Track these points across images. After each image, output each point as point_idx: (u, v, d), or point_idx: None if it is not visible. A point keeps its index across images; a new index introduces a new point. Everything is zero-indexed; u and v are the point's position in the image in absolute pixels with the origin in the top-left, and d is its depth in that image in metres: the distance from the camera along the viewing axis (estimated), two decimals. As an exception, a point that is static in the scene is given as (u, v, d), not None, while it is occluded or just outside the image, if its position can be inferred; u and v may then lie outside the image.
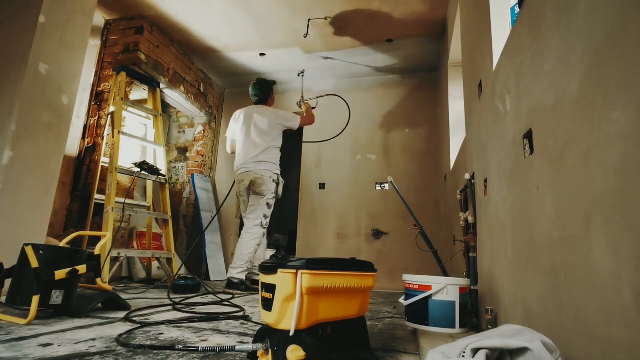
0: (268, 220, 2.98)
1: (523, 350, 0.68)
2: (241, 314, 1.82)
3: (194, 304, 2.08)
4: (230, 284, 2.85)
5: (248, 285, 2.90)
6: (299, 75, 4.16)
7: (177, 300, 2.17)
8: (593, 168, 0.72)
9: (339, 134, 4.18)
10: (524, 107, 1.13)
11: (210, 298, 2.38)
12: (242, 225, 3.18)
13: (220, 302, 2.17)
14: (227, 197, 3.47)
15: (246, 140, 3.03)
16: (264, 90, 3.27)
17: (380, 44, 4.03)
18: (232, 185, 3.24)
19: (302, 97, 3.81)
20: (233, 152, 3.24)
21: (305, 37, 3.81)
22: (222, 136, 5.16)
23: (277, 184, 3.00)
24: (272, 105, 3.34)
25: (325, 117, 4.52)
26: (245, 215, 2.99)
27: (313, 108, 3.56)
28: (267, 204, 2.95)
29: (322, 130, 4.44)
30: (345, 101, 4.12)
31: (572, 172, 0.81)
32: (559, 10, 0.89)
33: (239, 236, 3.01)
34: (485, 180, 1.65)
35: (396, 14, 3.53)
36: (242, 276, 2.88)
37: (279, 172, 3.05)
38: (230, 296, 2.49)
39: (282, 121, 3.11)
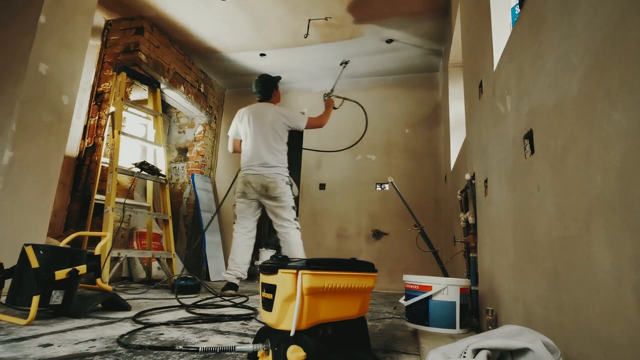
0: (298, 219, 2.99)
1: (524, 351, 0.68)
2: (253, 315, 1.81)
3: (204, 306, 2.07)
4: None
5: None
6: (341, 64, 3.62)
7: (184, 300, 2.17)
8: (594, 168, 0.72)
9: (352, 146, 3.88)
10: (524, 107, 1.13)
11: (215, 298, 2.38)
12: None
13: (235, 305, 2.14)
14: (226, 196, 3.46)
15: (253, 140, 2.97)
16: (267, 87, 3.12)
17: (380, 44, 4.03)
18: (232, 184, 3.21)
19: (332, 91, 3.38)
20: (234, 152, 3.20)
21: (305, 37, 3.81)
22: (222, 136, 5.16)
23: (291, 185, 3.00)
24: (277, 102, 3.20)
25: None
26: (276, 223, 2.94)
27: (335, 108, 3.29)
28: (292, 207, 2.96)
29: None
30: (364, 111, 3.69)
31: (573, 172, 0.81)
32: (560, 10, 0.89)
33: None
34: (486, 181, 1.65)
35: (396, 14, 3.53)
36: None
37: (288, 173, 3.03)
38: (245, 299, 2.46)
39: (287, 121, 3.02)
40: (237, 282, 2.80)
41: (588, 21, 0.76)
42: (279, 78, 3.23)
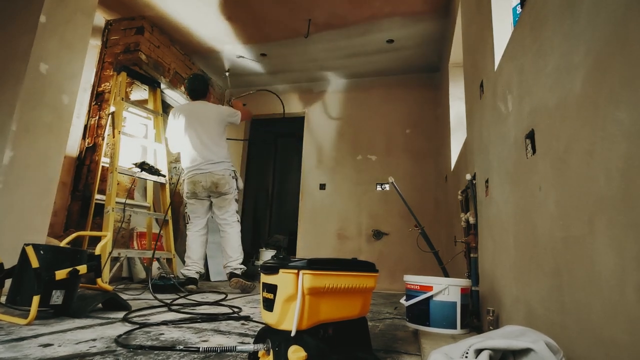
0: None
1: (526, 351, 0.67)
2: (242, 314, 1.81)
3: (190, 305, 2.07)
4: (234, 276, 2.88)
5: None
6: (223, 76, 4.41)
7: (169, 300, 2.17)
8: (596, 168, 0.71)
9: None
10: (526, 107, 1.13)
11: (207, 298, 2.37)
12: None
13: (216, 303, 2.15)
14: (171, 199, 3.46)
15: (194, 139, 2.97)
16: (204, 85, 3.24)
17: (381, 44, 4.02)
18: (176, 185, 3.29)
19: (231, 98, 3.91)
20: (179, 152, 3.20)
21: (305, 37, 3.81)
22: (222, 136, 5.18)
23: (236, 179, 3.05)
24: (210, 100, 3.31)
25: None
26: (219, 216, 3.03)
27: (244, 105, 3.66)
28: (236, 200, 3.08)
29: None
30: (278, 96, 4.21)
31: (575, 172, 0.81)
32: (561, 10, 0.89)
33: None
34: (487, 181, 1.65)
35: (397, 14, 3.52)
36: (242, 266, 2.96)
37: (234, 168, 3.10)
38: (224, 296, 2.48)
39: (226, 117, 3.12)
40: (196, 276, 2.92)
41: (590, 20, 0.75)
42: (209, 78, 3.39)
